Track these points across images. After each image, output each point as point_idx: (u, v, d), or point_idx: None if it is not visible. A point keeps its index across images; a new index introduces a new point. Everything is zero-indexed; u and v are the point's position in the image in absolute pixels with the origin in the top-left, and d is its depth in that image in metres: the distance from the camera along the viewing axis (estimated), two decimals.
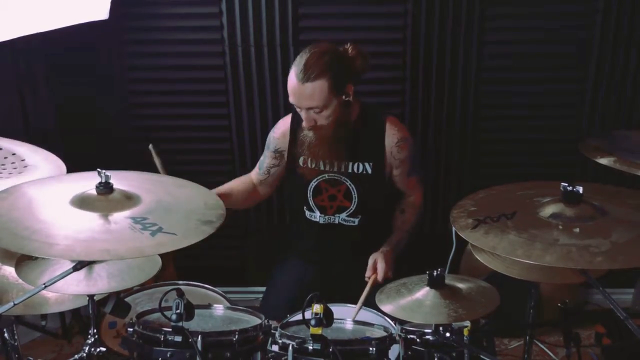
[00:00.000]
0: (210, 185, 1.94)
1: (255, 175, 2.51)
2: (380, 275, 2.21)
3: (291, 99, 2.20)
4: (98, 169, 1.62)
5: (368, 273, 2.24)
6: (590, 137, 2.45)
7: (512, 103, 2.97)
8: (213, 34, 2.86)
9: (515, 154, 3.05)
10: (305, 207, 2.42)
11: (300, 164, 2.38)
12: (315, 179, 2.37)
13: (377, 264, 2.23)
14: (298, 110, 2.23)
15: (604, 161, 2.18)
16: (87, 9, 2.61)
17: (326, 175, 2.36)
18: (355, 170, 2.35)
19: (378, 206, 2.42)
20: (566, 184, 1.63)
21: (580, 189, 1.61)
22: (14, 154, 1.99)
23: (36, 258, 1.77)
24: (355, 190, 2.35)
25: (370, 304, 1.93)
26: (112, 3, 2.69)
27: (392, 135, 2.33)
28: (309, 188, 2.38)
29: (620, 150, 2.23)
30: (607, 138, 2.41)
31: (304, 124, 2.24)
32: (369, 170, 2.35)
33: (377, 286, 2.06)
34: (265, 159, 2.46)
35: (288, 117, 2.43)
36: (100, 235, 1.49)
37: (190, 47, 2.90)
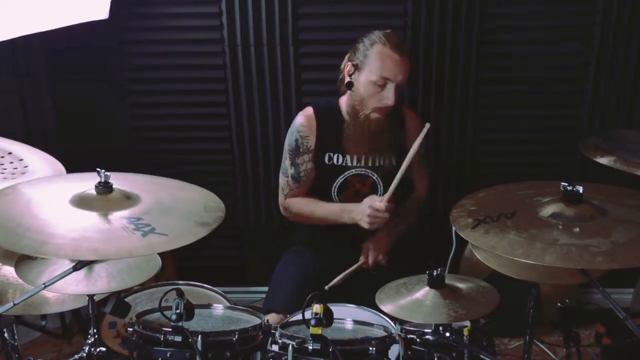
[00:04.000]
0: (209, 186, 1.93)
1: (296, 190, 2.42)
2: (370, 260, 2.30)
3: (387, 73, 2.20)
4: (97, 169, 1.62)
5: (361, 258, 2.32)
6: (590, 137, 2.45)
7: (512, 103, 2.97)
8: (213, 33, 2.86)
9: (515, 154, 3.06)
10: None
11: (326, 160, 2.37)
12: (342, 175, 2.37)
13: (369, 251, 2.31)
14: (378, 88, 2.21)
15: (604, 161, 2.18)
16: (87, 9, 2.61)
17: (353, 170, 2.37)
18: (383, 163, 2.37)
19: (400, 197, 2.42)
20: (566, 184, 1.63)
21: (580, 189, 1.61)
22: (10, 153, 1.99)
23: (36, 257, 1.77)
24: (381, 184, 2.36)
25: (370, 304, 1.93)
26: (112, 3, 2.68)
27: (409, 125, 2.40)
28: (335, 185, 2.38)
29: (620, 150, 2.23)
30: (607, 138, 2.41)
31: (389, 102, 2.22)
32: (394, 162, 2.36)
33: (372, 280, 2.08)
34: (301, 167, 2.38)
35: (309, 112, 2.39)
36: (91, 234, 1.48)
37: (190, 47, 2.90)
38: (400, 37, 2.28)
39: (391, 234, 2.37)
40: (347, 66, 2.29)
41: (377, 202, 2.21)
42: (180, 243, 1.50)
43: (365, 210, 2.23)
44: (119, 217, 1.54)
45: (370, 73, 2.22)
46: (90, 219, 1.53)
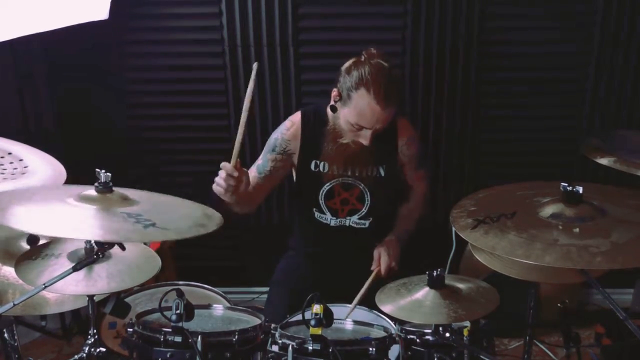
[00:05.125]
0: (210, 186, 1.93)
1: (254, 179, 2.38)
2: (383, 268, 2.27)
3: (364, 123, 2.17)
4: (97, 169, 1.62)
5: (373, 266, 2.29)
6: (590, 137, 2.45)
7: (512, 103, 2.97)
8: (213, 34, 2.86)
9: (515, 154, 3.06)
10: (315, 209, 2.41)
11: (312, 168, 2.37)
12: (329, 183, 2.36)
13: (380, 258, 2.28)
14: (355, 129, 2.20)
15: (604, 161, 2.18)
16: (87, 9, 2.61)
17: (340, 179, 2.36)
18: (370, 174, 2.36)
19: (389, 208, 2.43)
20: (566, 184, 1.62)
21: (580, 189, 1.61)
22: (10, 153, 1.98)
23: (36, 258, 1.77)
24: (368, 194, 2.36)
25: (370, 304, 1.93)
26: (112, 3, 2.69)
27: (402, 136, 2.38)
28: (322, 191, 2.37)
29: (620, 150, 2.23)
30: (607, 138, 2.41)
31: (364, 142, 2.21)
32: (382, 173, 2.36)
33: (380, 280, 2.08)
34: (268, 163, 2.38)
35: (296, 118, 2.38)
36: (93, 220, 1.51)
37: (190, 47, 2.90)
38: (388, 79, 2.14)
39: (400, 240, 2.38)
40: (334, 91, 2.25)
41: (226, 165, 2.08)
42: (180, 236, 1.51)
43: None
44: (118, 212, 1.55)
45: (349, 114, 2.19)
46: (89, 211, 1.55)
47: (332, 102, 2.27)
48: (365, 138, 2.21)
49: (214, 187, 2.11)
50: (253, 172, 2.42)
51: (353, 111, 2.17)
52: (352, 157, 2.29)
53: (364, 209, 2.38)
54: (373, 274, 2.26)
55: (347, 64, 2.21)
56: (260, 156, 2.43)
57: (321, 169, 2.36)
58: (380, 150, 2.32)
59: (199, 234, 1.53)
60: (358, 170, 2.35)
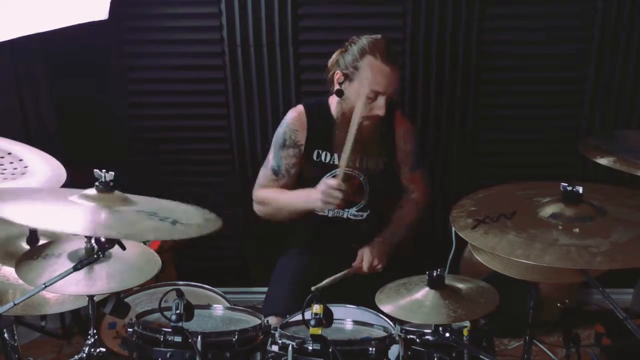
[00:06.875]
0: (209, 186, 1.92)
1: (272, 183, 2.41)
2: (365, 266, 2.30)
3: (378, 87, 2.18)
4: (95, 170, 1.62)
5: (355, 263, 2.32)
6: (590, 137, 2.45)
7: (512, 103, 2.97)
8: (212, 34, 2.86)
9: (515, 154, 3.05)
10: None
11: (314, 157, 2.37)
12: (330, 174, 2.36)
13: (363, 256, 2.31)
14: (370, 100, 2.19)
15: (604, 161, 2.18)
16: (87, 9, 2.61)
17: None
18: (370, 165, 2.37)
19: (387, 201, 2.44)
20: (566, 184, 1.62)
21: (580, 189, 1.61)
22: (10, 153, 1.98)
23: (36, 258, 1.77)
24: (367, 186, 2.37)
25: (371, 304, 1.93)
26: (111, 3, 2.69)
27: (399, 127, 2.39)
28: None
29: (620, 150, 2.23)
30: (607, 138, 2.41)
31: (380, 112, 2.21)
32: (382, 166, 2.37)
33: (379, 280, 2.08)
34: (283, 160, 2.38)
35: (299, 109, 2.40)
36: (123, 221, 1.51)
37: (189, 47, 2.90)
38: (388, 45, 2.24)
39: (387, 242, 2.38)
40: (337, 74, 2.27)
41: (330, 179, 2.22)
42: (206, 230, 1.53)
43: (319, 188, 2.22)
44: (132, 210, 1.55)
45: (361, 86, 2.20)
46: (101, 211, 1.54)
47: (336, 87, 2.27)
48: (380, 108, 2.21)
49: (324, 203, 2.20)
50: (268, 176, 2.41)
51: (365, 81, 2.19)
52: (363, 140, 2.26)
53: (362, 201, 2.39)
54: (347, 270, 2.28)
55: (336, 52, 2.28)
56: (271, 157, 2.42)
57: (322, 158, 2.36)
58: (381, 141, 2.34)
59: (215, 228, 1.56)
60: (359, 160, 2.35)
